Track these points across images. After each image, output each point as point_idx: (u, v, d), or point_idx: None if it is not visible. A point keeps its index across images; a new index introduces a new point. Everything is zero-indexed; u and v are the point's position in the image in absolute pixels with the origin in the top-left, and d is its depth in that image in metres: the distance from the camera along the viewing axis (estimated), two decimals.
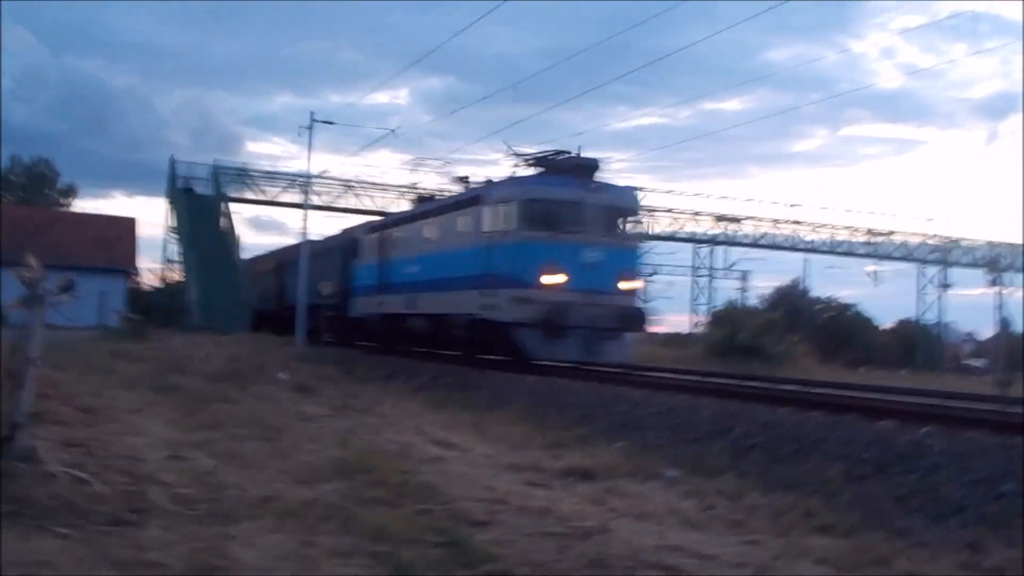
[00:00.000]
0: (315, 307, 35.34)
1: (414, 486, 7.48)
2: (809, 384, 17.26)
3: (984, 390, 21.52)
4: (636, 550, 5.94)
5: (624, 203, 21.20)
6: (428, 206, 27.31)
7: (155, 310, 44.72)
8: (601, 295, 19.25)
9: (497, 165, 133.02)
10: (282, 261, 44.10)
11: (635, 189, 25.77)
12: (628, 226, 21.32)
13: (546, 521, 6.68)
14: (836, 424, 9.74)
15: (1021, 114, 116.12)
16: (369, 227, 31.80)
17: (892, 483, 8.08)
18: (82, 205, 79.04)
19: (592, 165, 20.68)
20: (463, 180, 26.94)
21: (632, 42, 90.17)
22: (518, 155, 22.00)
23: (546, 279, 18.98)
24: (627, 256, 20.73)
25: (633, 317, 20.05)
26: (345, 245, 33.11)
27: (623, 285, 19.91)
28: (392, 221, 30.01)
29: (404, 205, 47.87)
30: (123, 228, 50.44)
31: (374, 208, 52.01)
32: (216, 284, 41.73)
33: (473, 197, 22.41)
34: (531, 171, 21.64)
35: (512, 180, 21.51)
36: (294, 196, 51.01)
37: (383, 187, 54.61)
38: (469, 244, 21.62)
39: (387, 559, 5.50)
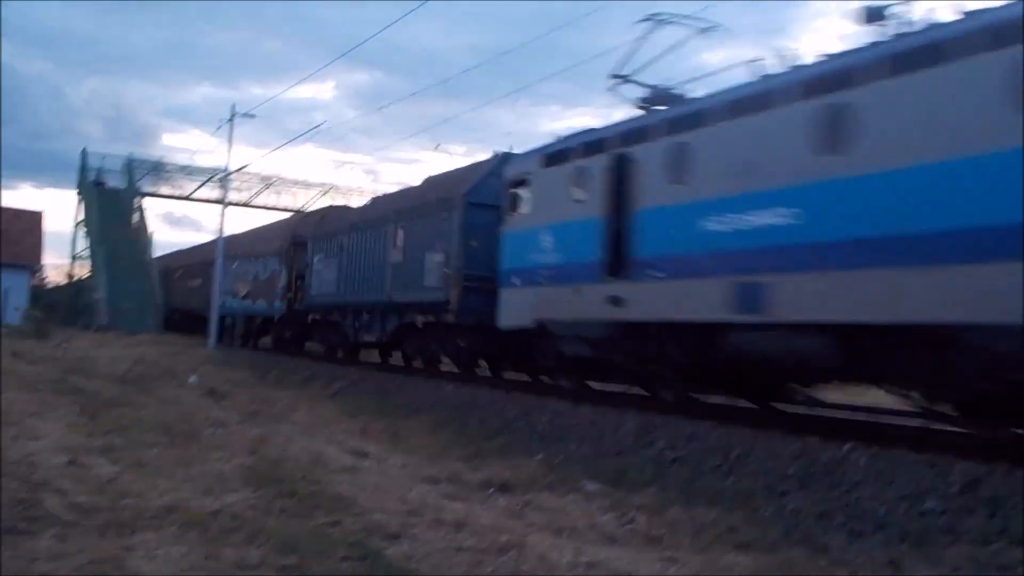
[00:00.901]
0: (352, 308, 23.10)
1: (326, 497, 7.27)
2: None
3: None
4: (551, 566, 5.83)
5: None
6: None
7: (60, 308, 43.35)
8: None
9: (424, 164, 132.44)
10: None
11: None
12: None
13: (461, 535, 6.53)
14: (760, 438, 9.76)
15: None
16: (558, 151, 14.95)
17: (815, 499, 8.11)
18: None
19: None
20: None
21: (563, 41, 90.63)
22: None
23: None
24: None
25: None
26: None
27: None
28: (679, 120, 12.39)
29: (326, 203, 47.23)
30: (28, 222, 48.68)
31: (295, 206, 51.43)
32: (125, 282, 40.63)
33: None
34: None
35: None
36: (212, 192, 50.16)
37: (305, 184, 54.09)
38: None
39: (295, 573, 5.30)
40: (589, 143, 14.00)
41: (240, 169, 41.78)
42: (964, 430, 9.53)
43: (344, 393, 17.96)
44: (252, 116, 35.94)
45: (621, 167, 12.91)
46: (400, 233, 20.06)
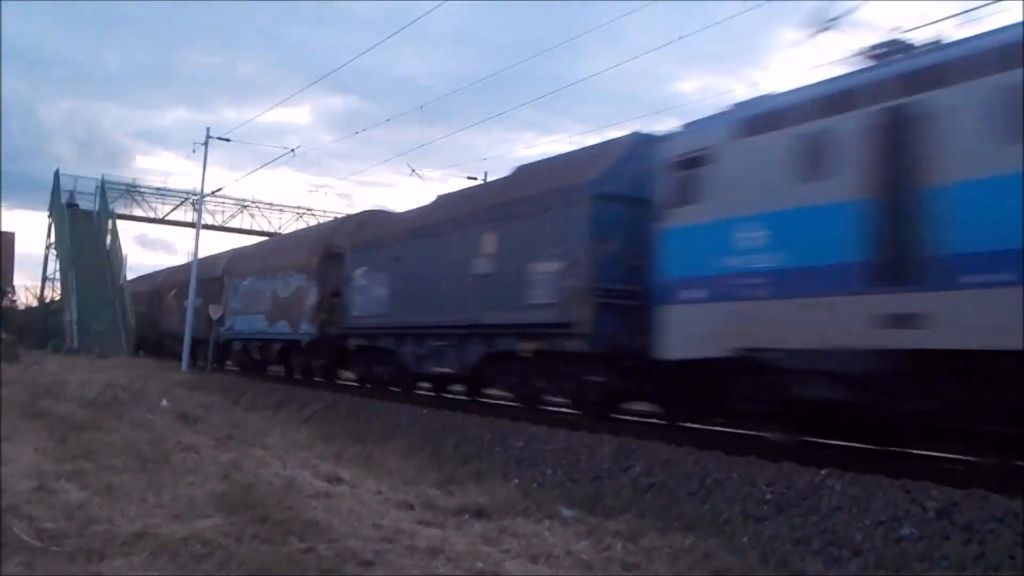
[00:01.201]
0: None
1: (299, 523, 7.17)
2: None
3: None
4: None
5: None
6: None
7: (30, 330, 42.84)
8: None
9: (399, 188, 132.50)
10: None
11: None
12: None
13: (436, 561, 6.46)
14: (736, 464, 9.74)
15: None
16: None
17: (792, 524, 8.10)
18: None
19: None
20: None
21: (539, 69, 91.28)
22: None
23: None
24: None
25: None
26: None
27: None
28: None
29: (300, 226, 46.88)
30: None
31: (270, 229, 51.31)
32: (97, 305, 40.23)
33: None
34: None
35: None
36: (186, 214, 49.94)
37: (280, 207, 53.98)
38: None
39: None
40: (830, 97, 10.19)
41: (214, 192, 41.61)
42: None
43: (318, 417, 17.78)
44: (227, 140, 35.84)
45: (898, 126, 9.22)
46: (490, 238, 15.82)
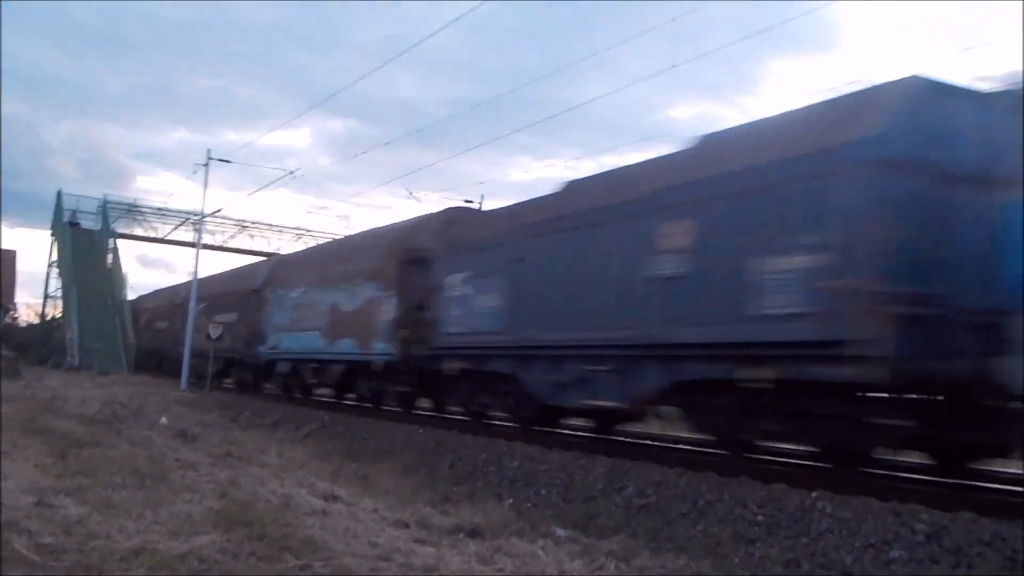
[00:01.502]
0: None
1: (295, 540, 7.21)
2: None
3: None
4: None
5: None
6: None
7: (32, 347, 42.96)
8: None
9: (396, 211, 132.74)
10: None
11: None
12: None
13: None
14: (728, 485, 9.80)
15: None
16: None
17: (783, 546, 8.17)
18: None
19: None
20: None
21: (534, 95, 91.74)
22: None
23: None
24: None
25: None
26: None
27: None
28: None
29: (300, 247, 46.88)
30: (2, 261, 48.37)
31: (269, 249, 51.52)
32: (98, 322, 40.35)
33: None
34: None
35: None
36: (187, 234, 50.16)
37: (279, 228, 54.24)
38: None
39: None
40: None
41: (214, 213, 41.81)
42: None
43: (315, 436, 17.85)
44: (227, 161, 36.06)
45: None
46: (679, 228, 11.89)
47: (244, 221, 52.88)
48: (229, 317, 31.00)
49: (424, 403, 21.14)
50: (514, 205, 17.77)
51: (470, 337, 16.65)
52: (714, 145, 12.46)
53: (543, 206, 15.92)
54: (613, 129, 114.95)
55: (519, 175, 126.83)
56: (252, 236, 53.30)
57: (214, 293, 33.47)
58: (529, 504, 10.50)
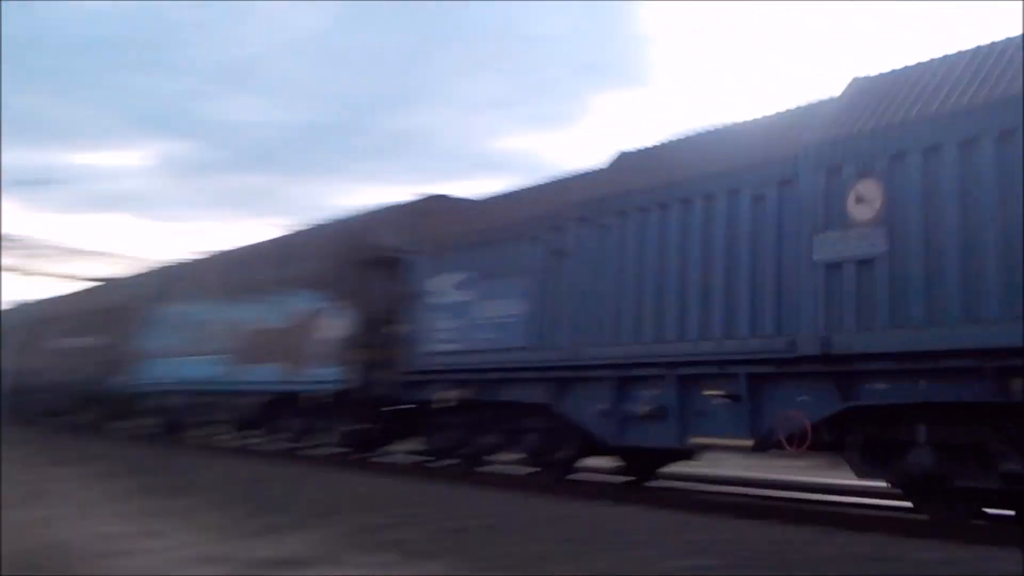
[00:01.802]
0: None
1: None
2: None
3: None
4: None
5: None
6: None
7: None
8: None
9: (243, 233, 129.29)
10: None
11: None
12: None
13: None
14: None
15: None
16: None
17: None
18: None
19: None
20: None
21: (380, 121, 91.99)
22: None
23: None
24: None
25: None
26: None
27: None
28: None
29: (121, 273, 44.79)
30: None
31: (100, 275, 49.30)
32: None
33: None
34: None
35: None
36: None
37: (111, 255, 52.24)
38: None
39: None
40: None
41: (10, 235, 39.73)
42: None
43: (109, 472, 16.39)
44: (49, 182, 34.21)
45: None
46: (866, 188, 8.82)
47: (72, 248, 50.66)
48: (82, 342, 26.31)
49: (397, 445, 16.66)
50: (530, 188, 14.20)
51: (471, 356, 13.36)
52: (862, 89, 9.66)
53: (594, 184, 12.35)
54: (455, 157, 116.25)
55: (363, 199, 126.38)
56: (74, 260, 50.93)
57: (74, 311, 28.73)
58: (350, 528, 9.77)
